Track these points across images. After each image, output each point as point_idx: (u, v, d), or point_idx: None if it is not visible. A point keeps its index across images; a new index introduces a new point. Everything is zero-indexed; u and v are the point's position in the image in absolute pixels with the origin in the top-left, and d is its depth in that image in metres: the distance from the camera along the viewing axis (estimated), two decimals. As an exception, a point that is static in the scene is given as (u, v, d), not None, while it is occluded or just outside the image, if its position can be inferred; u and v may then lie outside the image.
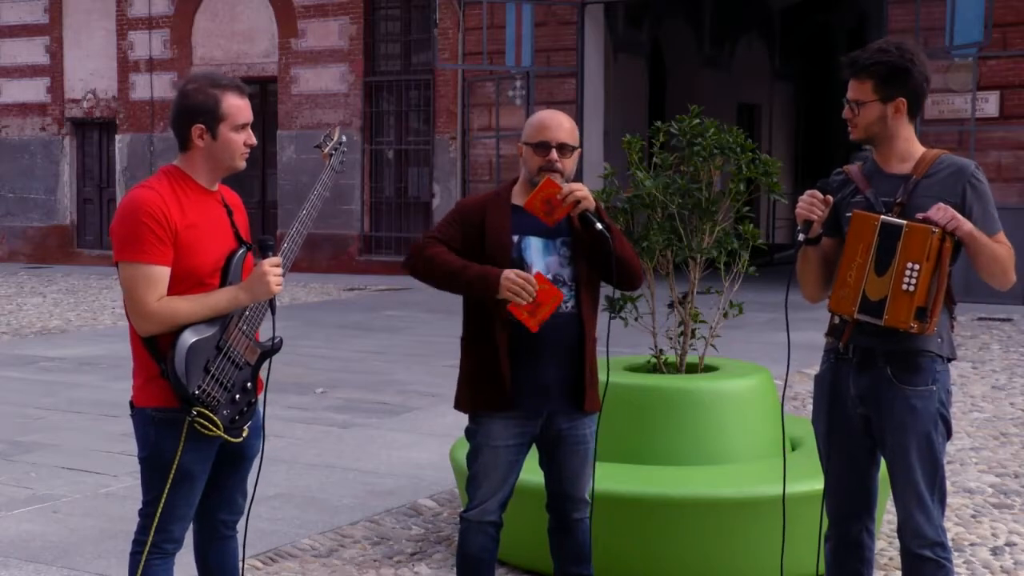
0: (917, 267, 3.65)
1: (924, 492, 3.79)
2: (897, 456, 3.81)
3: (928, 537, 3.79)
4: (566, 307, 4.04)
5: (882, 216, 3.73)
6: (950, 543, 3.99)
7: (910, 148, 3.87)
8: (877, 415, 3.83)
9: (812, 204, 3.80)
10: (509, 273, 3.91)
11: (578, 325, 4.06)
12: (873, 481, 3.98)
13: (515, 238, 4.06)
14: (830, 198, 3.82)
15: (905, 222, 3.69)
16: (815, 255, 3.91)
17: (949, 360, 3.86)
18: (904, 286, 3.67)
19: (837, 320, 3.85)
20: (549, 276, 4.02)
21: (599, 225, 3.97)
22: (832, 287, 3.85)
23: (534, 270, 4.01)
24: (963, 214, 3.75)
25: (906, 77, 3.79)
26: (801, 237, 3.83)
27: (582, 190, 3.95)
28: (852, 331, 3.81)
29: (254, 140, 3.80)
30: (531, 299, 3.90)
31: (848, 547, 3.98)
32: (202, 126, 3.72)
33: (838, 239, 3.88)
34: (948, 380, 3.87)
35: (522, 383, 4.03)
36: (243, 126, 3.75)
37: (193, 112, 3.73)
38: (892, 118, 3.81)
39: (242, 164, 3.81)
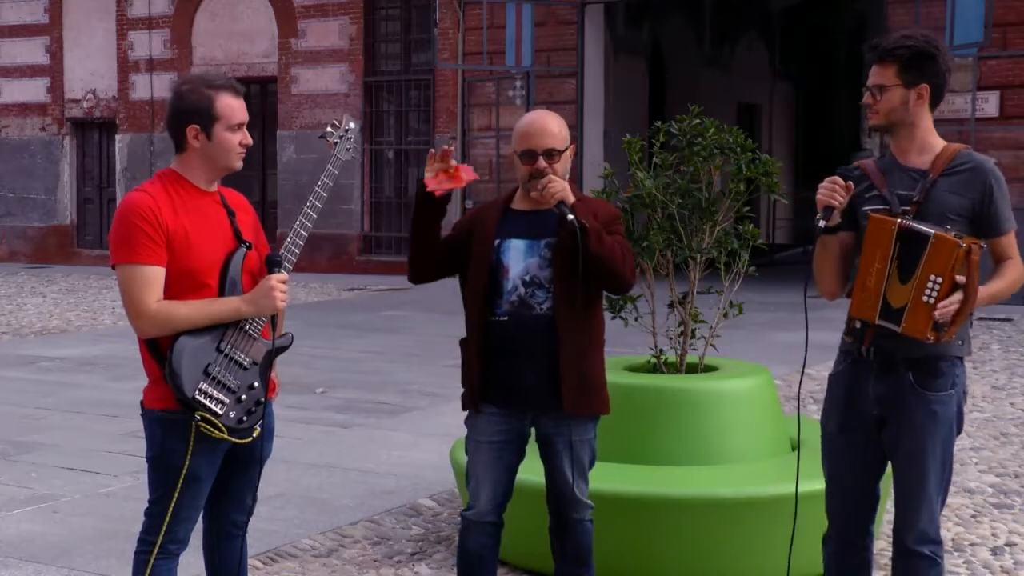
0: (940, 280, 3.60)
1: (932, 493, 3.79)
2: (911, 458, 3.79)
3: (930, 536, 3.80)
4: (540, 308, 4.06)
5: (899, 220, 3.68)
6: (949, 542, 4.00)
7: (929, 139, 3.82)
8: (895, 419, 3.80)
9: (833, 190, 3.74)
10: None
11: (551, 327, 4.04)
12: (878, 482, 3.98)
13: (496, 241, 4.11)
14: (851, 184, 3.77)
15: (933, 232, 3.63)
16: (834, 245, 3.84)
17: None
18: (925, 297, 3.62)
19: (858, 324, 3.80)
20: (527, 278, 4.06)
21: (571, 216, 3.95)
22: (852, 289, 3.79)
23: (511, 272, 4.08)
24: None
25: (931, 64, 3.75)
26: (822, 224, 3.76)
27: (557, 183, 3.98)
28: (873, 335, 3.77)
29: (250, 140, 3.78)
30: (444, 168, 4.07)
31: (850, 547, 3.98)
32: (197, 127, 3.71)
33: (855, 233, 3.83)
34: (965, 378, 3.85)
35: (496, 383, 4.10)
36: (238, 126, 3.74)
37: (188, 113, 3.72)
38: (915, 104, 3.76)
39: (238, 164, 3.80)
